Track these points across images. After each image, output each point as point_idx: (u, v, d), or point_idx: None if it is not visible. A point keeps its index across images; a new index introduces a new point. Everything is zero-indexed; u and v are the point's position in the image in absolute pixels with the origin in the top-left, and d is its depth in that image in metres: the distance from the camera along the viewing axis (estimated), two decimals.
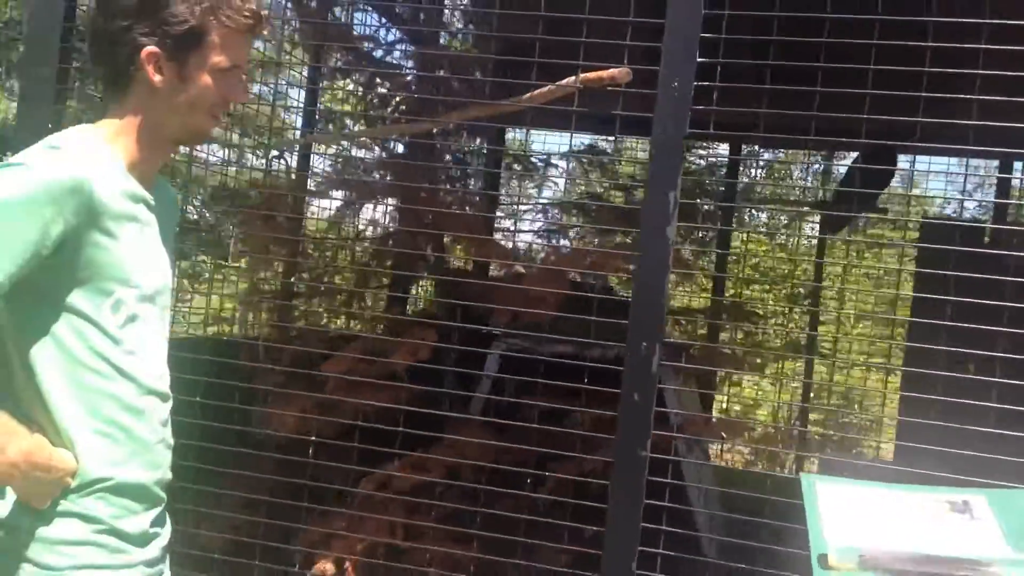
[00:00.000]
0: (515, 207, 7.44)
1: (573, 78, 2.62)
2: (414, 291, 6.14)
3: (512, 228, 7.03)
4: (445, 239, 4.86)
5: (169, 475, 1.85)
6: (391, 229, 4.68)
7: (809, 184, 9.07)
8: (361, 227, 5.25)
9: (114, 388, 1.70)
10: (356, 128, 5.16)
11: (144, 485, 1.75)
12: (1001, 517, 2.12)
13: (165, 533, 1.84)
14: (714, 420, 5.57)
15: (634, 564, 2.67)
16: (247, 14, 1.76)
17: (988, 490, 2.23)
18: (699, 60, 2.51)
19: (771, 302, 8.70)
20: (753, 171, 10.54)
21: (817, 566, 1.96)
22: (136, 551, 1.72)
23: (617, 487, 2.70)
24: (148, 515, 1.76)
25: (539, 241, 6.53)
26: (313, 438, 3.80)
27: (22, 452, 1.59)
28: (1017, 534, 2.04)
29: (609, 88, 2.62)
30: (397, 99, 4.14)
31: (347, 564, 3.67)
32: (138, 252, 1.75)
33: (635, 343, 2.67)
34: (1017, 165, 7.03)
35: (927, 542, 2.01)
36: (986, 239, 5.90)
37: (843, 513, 2.14)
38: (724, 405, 7.50)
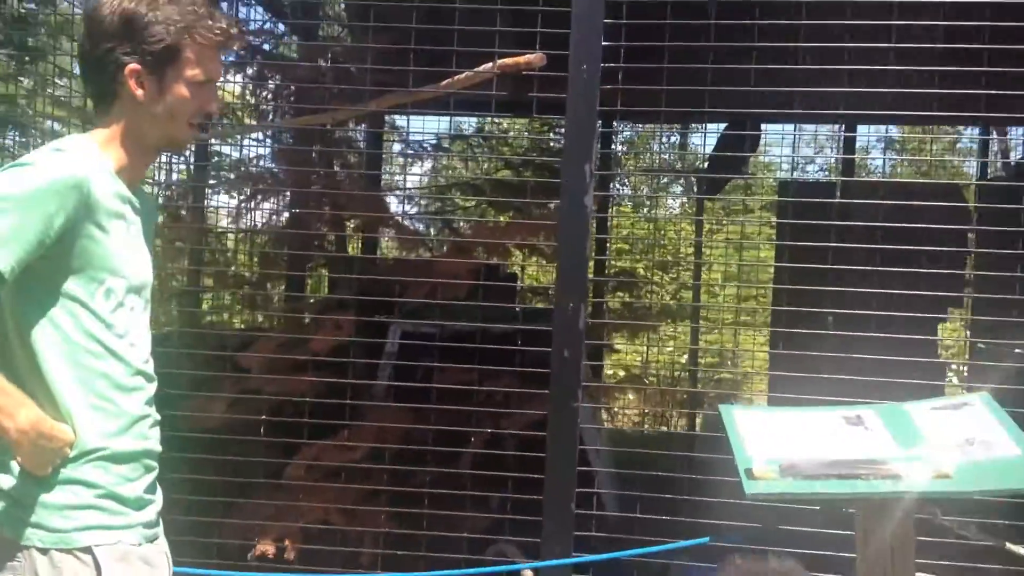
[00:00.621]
0: (434, 186, 7.55)
1: (491, 64, 2.84)
2: (323, 278, 6.24)
3: (429, 210, 7.15)
4: (350, 224, 5.00)
5: (158, 448, 2.00)
6: (303, 218, 4.78)
7: (693, 154, 9.52)
8: (263, 218, 5.34)
9: (106, 367, 1.87)
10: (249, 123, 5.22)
11: (136, 454, 1.91)
12: (888, 425, 2.49)
13: (158, 499, 2.00)
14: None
15: (572, 504, 2.95)
16: (218, 31, 1.96)
17: (875, 404, 2.60)
18: (604, 44, 2.78)
19: (650, 269, 9.15)
20: (658, 145, 10.98)
21: (745, 478, 2.27)
22: (134, 513, 1.88)
23: (554, 436, 2.97)
24: (142, 482, 1.92)
25: (457, 221, 6.69)
26: (269, 427, 3.88)
27: (30, 421, 1.75)
28: (903, 437, 2.41)
29: (525, 73, 2.86)
30: (321, 85, 4.27)
31: (287, 543, 3.81)
32: (125, 247, 1.93)
33: (563, 303, 2.94)
34: (861, 128, 7.67)
35: (833, 450, 2.36)
36: (836, 197, 6.46)
37: (759, 434, 2.46)
38: (610, 371, 7.87)
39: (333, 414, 3.79)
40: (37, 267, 1.78)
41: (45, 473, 1.79)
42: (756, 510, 2.85)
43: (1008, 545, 2.40)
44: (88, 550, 1.77)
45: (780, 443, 2.41)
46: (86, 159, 1.85)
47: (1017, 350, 5.07)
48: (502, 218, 5.38)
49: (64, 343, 1.82)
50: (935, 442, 2.37)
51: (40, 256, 1.77)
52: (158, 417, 2.02)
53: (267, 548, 3.77)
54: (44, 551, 1.77)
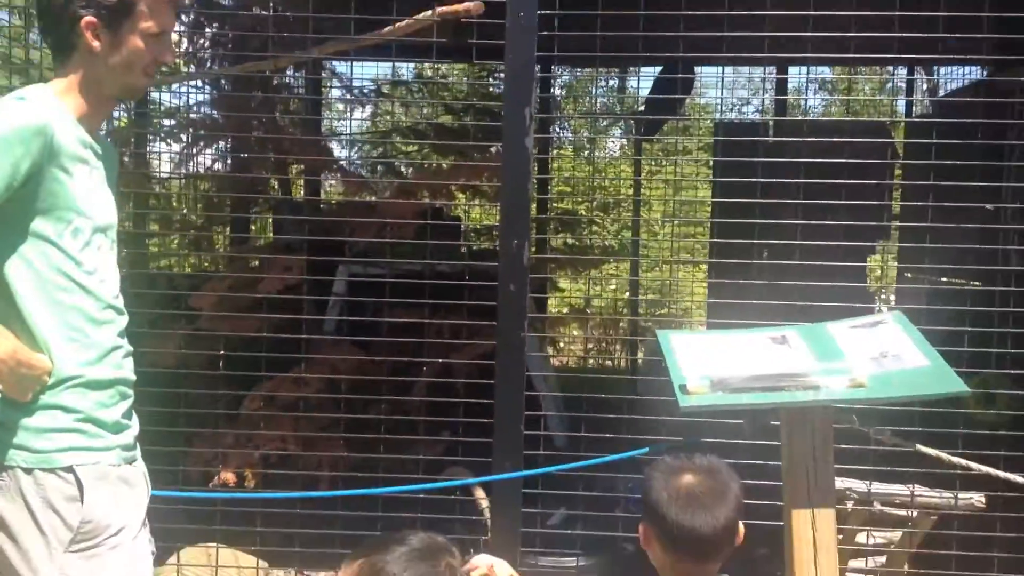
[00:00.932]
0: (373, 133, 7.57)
1: (431, 12, 2.95)
2: (267, 222, 6.30)
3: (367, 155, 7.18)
4: (293, 169, 5.07)
5: (132, 376, 2.13)
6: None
7: (631, 97, 9.65)
8: (206, 164, 5.38)
9: (78, 301, 1.99)
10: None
11: (111, 382, 2.04)
12: (809, 343, 2.71)
13: (134, 425, 2.13)
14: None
15: (521, 426, 3.14)
16: None
17: (797, 325, 2.82)
18: None
19: (591, 211, 9.33)
20: (596, 89, 11.07)
21: (680, 393, 2.47)
22: (112, 436, 2.01)
23: (502, 365, 3.14)
24: (118, 408, 2.05)
25: (400, 165, 6.75)
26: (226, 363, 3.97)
27: (9, 350, 1.87)
28: (823, 353, 2.63)
29: (464, 20, 2.97)
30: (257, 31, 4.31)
31: (247, 472, 3.96)
32: (89, 190, 2.04)
33: (507, 241, 3.09)
34: (793, 70, 7.88)
35: (759, 366, 2.57)
36: (769, 136, 6.69)
37: (692, 354, 2.67)
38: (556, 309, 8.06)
39: (288, 351, 3.92)
40: (7, 209, 1.89)
41: (26, 400, 1.91)
42: (692, 427, 3.08)
43: (919, 447, 2.64)
44: (70, 469, 1.90)
45: (711, 362, 2.61)
46: (48, 106, 1.95)
47: (939, 277, 5.40)
48: (444, 164, 5.49)
49: (37, 280, 1.93)
50: (852, 356, 2.60)
51: (8, 199, 1.87)
52: (130, 348, 2.14)
53: (228, 476, 3.92)
54: (28, 471, 1.89)
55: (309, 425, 4.15)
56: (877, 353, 2.63)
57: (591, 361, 7.92)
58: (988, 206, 3.94)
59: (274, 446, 4.10)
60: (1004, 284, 3.48)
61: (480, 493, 4.11)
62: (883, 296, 8.41)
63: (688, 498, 1.84)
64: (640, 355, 6.35)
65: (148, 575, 2.02)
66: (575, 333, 6.65)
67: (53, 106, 1.97)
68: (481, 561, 1.53)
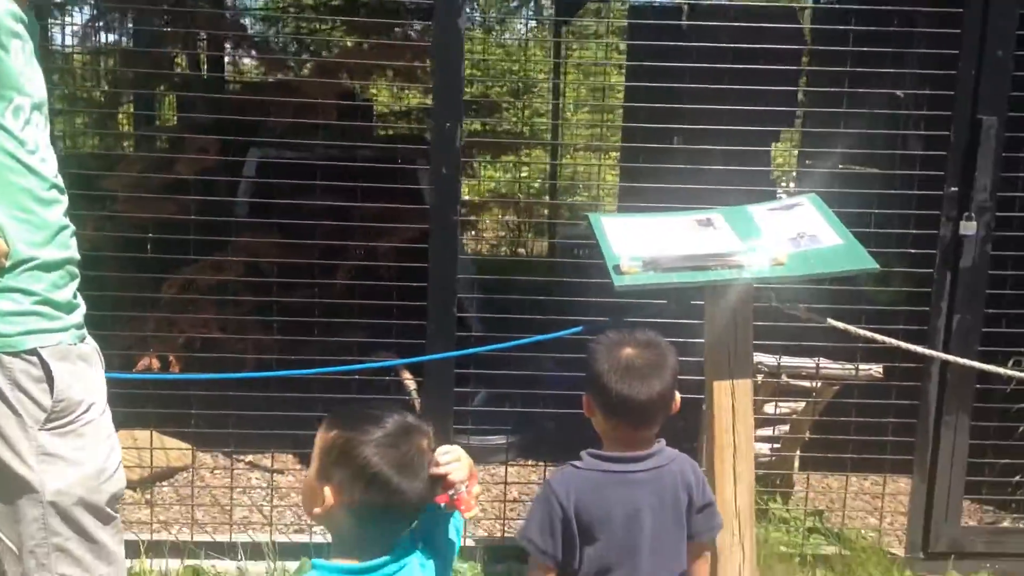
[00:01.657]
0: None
1: None
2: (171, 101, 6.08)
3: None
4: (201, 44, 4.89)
5: (78, 256, 2.10)
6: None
7: None
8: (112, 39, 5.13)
9: (26, 182, 1.94)
10: None
11: (61, 262, 2.01)
12: (732, 224, 2.83)
13: (82, 304, 2.12)
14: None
15: (454, 308, 3.22)
16: None
17: (721, 208, 2.94)
18: None
19: (502, 95, 9.25)
20: None
21: (614, 273, 2.58)
22: (67, 316, 2.00)
23: (435, 248, 3.19)
24: (69, 288, 2.04)
25: (317, 44, 6.52)
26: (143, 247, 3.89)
27: None
28: (744, 234, 2.77)
29: None
30: None
31: (171, 358, 3.95)
32: (25, 65, 1.96)
33: (439, 122, 3.09)
34: None
35: (687, 247, 2.69)
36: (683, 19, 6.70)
37: (623, 236, 2.76)
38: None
39: (209, 235, 3.87)
40: None
41: None
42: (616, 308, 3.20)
43: (830, 320, 2.82)
44: (34, 352, 1.90)
45: (642, 243, 2.72)
46: None
47: (839, 166, 5.60)
48: (364, 45, 5.34)
49: None
50: (772, 236, 2.74)
51: None
52: (73, 228, 2.11)
53: (151, 361, 3.90)
54: None
55: (236, 310, 4.13)
56: (795, 233, 2.77)
57: (506, 249, 8.02)
58: (899, 92, 4.08)
59: (200, 331, 4.08)
60: (905, 169, 3.65)
61: (407, 375, 4.21)
62: (784, 184, 8.67)
63: (627, 369, 1.95)
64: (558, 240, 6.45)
65: (119, 448, 2.06)
66: (496, 219, 6.69)
67: None
68: (449, 451, 1.58)
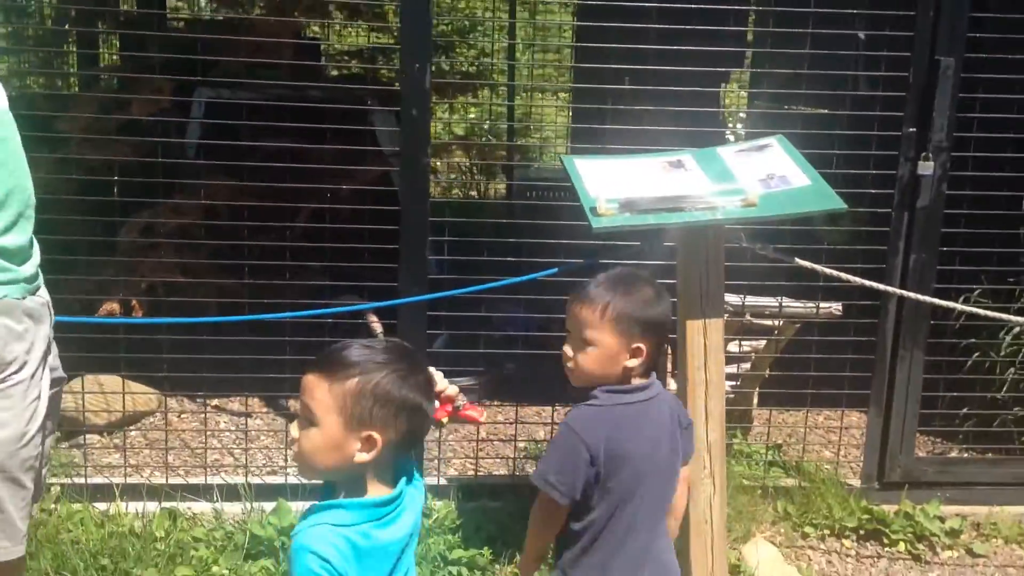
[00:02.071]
0: None
1: None
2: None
3: None
4: None
5: (29, 188, 2.01)
6: None
7: None
8: None
9: None
10: None
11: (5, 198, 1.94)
12: (703, 167, 2.87)
13: (36, 253, 2.05)
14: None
15: (427, 251, 3.23)
16: None
17: (692, 150, 2.97)
18: None
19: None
20: None
21: (591, 215, 2.60)
22: (16, 268, 1.93)
23: (406, 191, 3.18)
24: (21, 231, 1.96)
25: None
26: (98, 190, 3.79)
27: None
28: (715, 176, 2.81)
29: None
30: None
31: (133, 303, 3.90)
32: None
33: (409, 64, 3.06)
34: None
35: (661, 188, 2.72)
36: None
37: (598, 178, 2.79)
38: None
39: (166, 176, 3.78)
40: None
41: None
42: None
43: (797, 260, 2.88)
44: None
45: (616, 185, 2.74)
46: None
47: (787, 107, 5.66)
48: None
49: None
50: (742, 178, 2.79)
51: None
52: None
53: (112, 306, 3.85)
54: None
55: (198, 255, 4.08)
56: (764, 175, 2.82)
57: (458, 191, 7.99)
58: (861, 34, 4.13)
59: (163, 276, 4.02)
60: (851, 109, 3.71)
61: (373, 318, 4.22)
62: (732, 125, 8.74)
63: (659, 295, 2.07)
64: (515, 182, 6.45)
65: (43, 411, 1.99)
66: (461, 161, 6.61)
67: None
68: (442, 379, 1.62)
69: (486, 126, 7.78)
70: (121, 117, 4.17)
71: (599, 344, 2.01)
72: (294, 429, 1.51)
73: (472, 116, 8.45)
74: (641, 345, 2.01)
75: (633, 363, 2.02)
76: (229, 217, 4.21)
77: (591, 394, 2.04)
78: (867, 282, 3.05)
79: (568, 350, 2.08)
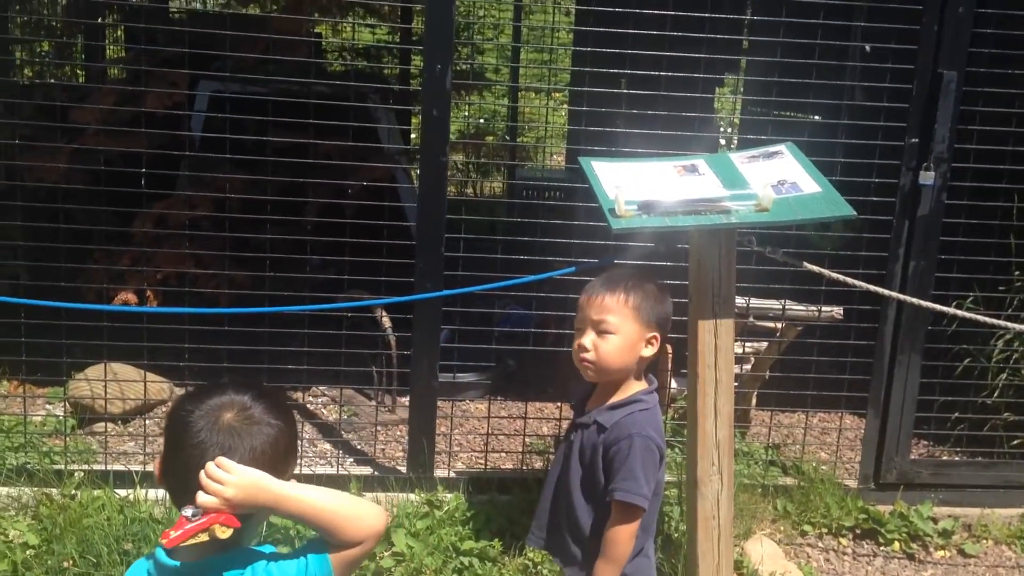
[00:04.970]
0: None
1: None
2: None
3: None
4: None
5: None
6: None
7: None
8: None
9: None
10: None
11: None
12: (716, 171, 2.95)
13: None
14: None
15: (443, 248, 3.29)
16: None
17: (704, 154, 3.05)
18: None
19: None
20: None
21: (610, 216, 2.67)
22: None
23: (425, 190, 3.25)
24: None
25: None
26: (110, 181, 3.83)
27: None
28: (728, 181, 2.89)
29: None
30: None
31: (148, 292, 3.94)
32: None
33: (431, 65, 3.13)
34: None
35: (678, 192, 2.80)
36: None
37: (615, 180, 2.86)
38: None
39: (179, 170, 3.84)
40: None
41: None
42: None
43: (806, 264, 2.97)
44: None
45: (634, 187, 2.82)
46: None
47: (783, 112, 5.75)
48: None
49: None
50: (755, 184, 2.87)
51: None
52: None
53: (129, 296, 3.89)
54: None
55: (212, 247, 4.12)
56: (776, 181, 2.90)
57: (454, 188, 8.06)
58: (866, 46, 4.23)
59: (180, 267, 4.07)
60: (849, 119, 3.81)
61: (383, 313, 4.28)
62: (724, 129, 8.84)
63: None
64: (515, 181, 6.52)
65: None
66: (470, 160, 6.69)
67: None
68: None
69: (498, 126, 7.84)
70: (140, 111, 4.22)
71: (621, 331, 2.09)
72: None
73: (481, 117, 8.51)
74: (657, 334, 2.11)
75: (648, 352, 2.11)
76: (243, 211, 4.26)
77: (636, 397, 2.12)
78: (870, 286, 3.14)
79: (586, 342, 2.14)
